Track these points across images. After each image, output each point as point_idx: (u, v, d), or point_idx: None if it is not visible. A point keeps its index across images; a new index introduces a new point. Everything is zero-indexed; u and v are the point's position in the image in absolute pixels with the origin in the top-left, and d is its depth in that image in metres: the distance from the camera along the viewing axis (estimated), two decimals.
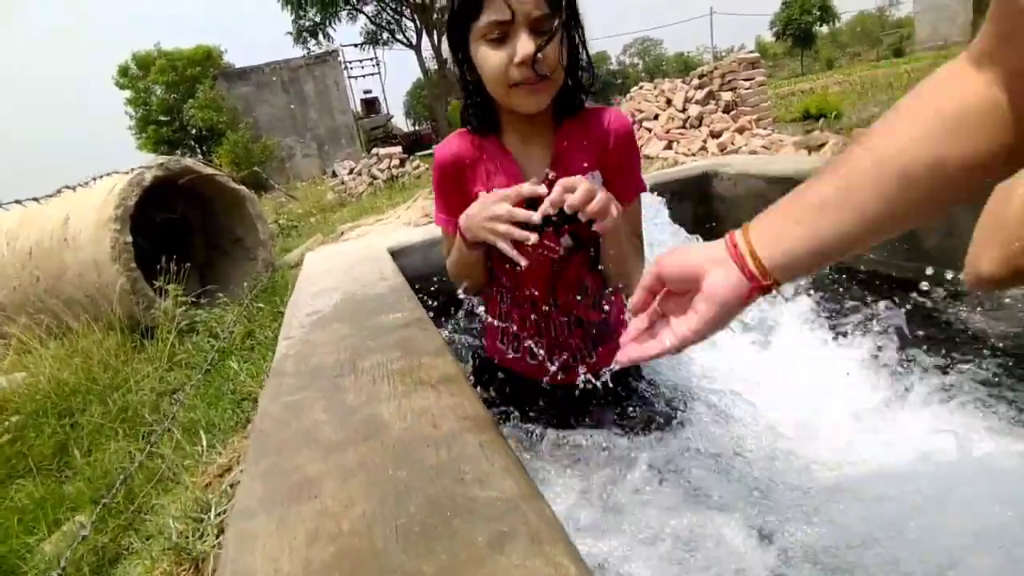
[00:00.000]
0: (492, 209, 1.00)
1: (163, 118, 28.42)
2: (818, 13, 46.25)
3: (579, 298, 1.25)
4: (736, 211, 2.46)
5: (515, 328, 1.30)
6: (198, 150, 27.32)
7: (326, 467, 0.75)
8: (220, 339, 3.16)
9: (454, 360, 1.01)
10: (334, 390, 0.96)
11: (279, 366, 1.14)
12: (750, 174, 2.36)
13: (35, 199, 2.48)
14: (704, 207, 2.58)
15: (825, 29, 52.71)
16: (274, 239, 5.22)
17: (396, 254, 2.10)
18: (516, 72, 1.02)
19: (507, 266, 1.21)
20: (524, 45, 0.99)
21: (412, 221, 5.46)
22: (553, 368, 1.26)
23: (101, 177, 3.36)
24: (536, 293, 1.24)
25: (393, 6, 25.59)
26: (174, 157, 4.01)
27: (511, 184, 1.08)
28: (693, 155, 7.07)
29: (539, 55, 1.00)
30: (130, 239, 3.46)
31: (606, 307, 1.26)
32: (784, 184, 2.18)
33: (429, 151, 8.08)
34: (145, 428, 2.50)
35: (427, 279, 2.15)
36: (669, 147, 7.70)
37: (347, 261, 2.06)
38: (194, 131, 25.67)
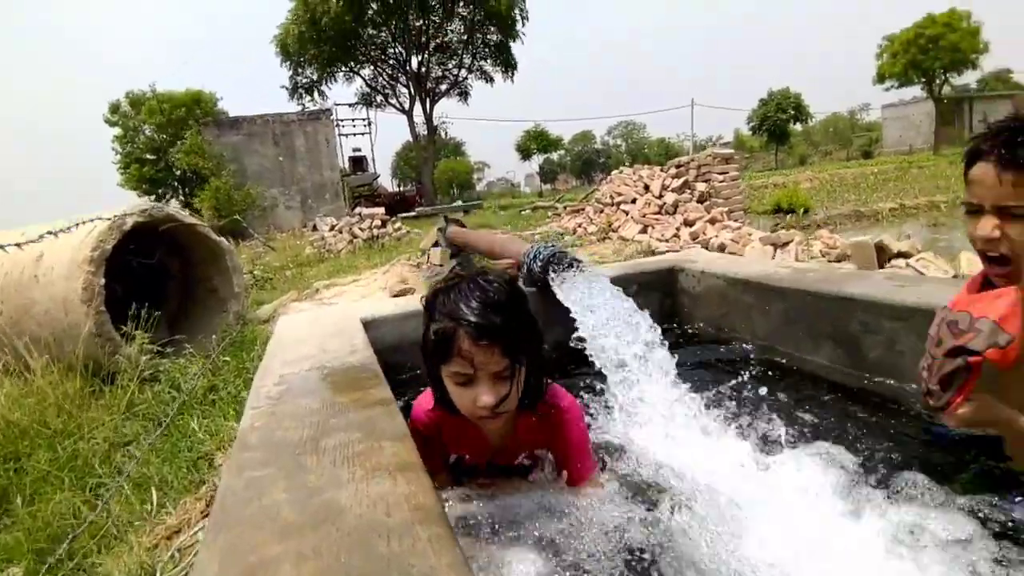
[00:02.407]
0: None
1: (149, 156, 28.55)
2: (792, 112, 48.62)
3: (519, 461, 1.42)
4: (699, 307, 2.57)
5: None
6: (180, 191, 27.37)
7: (282, 549, 0.78)
8: (182, 391, 3.12)
9: (413, 447, 1.05)
10: (296, 469, 1.00)
11: (244, 438, 1.17)
12: (713, 273, 2.46)
13: (17, 244, 2.49)
14: (670, 300, 2.68)
15: (799, 127, 55.41)
16: (248, 291, 5.23)
17: (368, 325, 2.15)
18: (480, 411, 1.17)
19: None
20: (485, 397, 1.15)
21: (388, 286, 5.52)
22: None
23: (83, 223, 3.39)
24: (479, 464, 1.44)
25: (389, 72, 26.49)
26: (157, 204, 4.05)
27: (480, 449, 1.36)
28: (666, 240, 7.33)
29: (500, 403, 1.16)
30: (103, 281, 3.45)
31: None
32: (742, 287, 2.30)
33: (413, 213, 8.36)
34: (94, 480, 2.44)
35: (397, 351, 2.21)
36: (644, 231, 7.98)
37: (319, 330, 2.10)
38: (178, 172, 25.80)
